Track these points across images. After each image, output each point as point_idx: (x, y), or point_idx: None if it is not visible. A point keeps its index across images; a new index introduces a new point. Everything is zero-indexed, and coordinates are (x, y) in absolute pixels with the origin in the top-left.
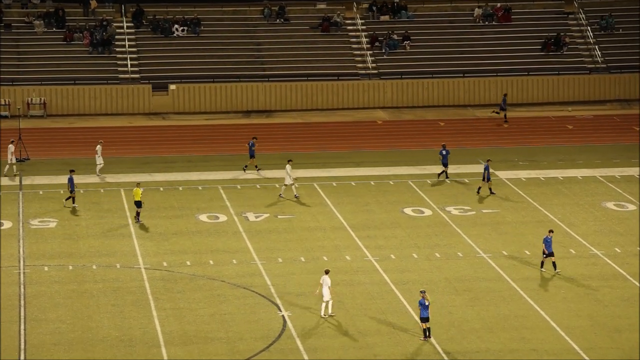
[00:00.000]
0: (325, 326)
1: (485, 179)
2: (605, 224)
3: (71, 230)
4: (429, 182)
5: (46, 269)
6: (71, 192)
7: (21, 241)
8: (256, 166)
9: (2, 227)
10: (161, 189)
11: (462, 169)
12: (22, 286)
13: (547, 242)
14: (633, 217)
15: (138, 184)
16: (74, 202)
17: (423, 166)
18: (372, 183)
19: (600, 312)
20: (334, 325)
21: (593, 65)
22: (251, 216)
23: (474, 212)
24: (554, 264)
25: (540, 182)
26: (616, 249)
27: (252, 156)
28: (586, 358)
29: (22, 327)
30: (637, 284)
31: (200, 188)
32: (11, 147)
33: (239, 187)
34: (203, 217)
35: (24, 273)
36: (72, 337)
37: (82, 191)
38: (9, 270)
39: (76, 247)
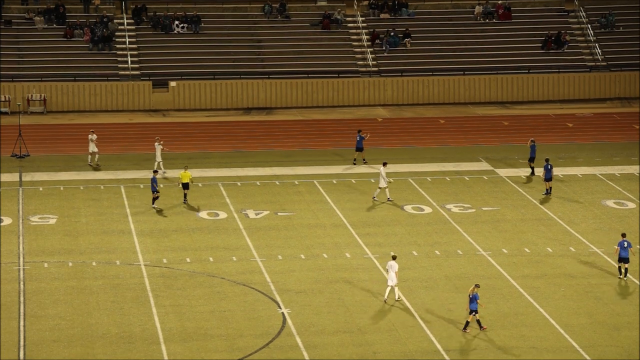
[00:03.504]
0: (325, 323)
1: (547, 179)
2: (605, 222)
3: (71, 227)
4: (429, 179)
5: (46, 265)
6: (154, 192)
7: (21, 237)
8: (363, 159)
9: (2, 224)
10: (161, 185)
11: (461, 166)
12: (21, 283)
13: (622, 246)
14: (633, 215)
15: (186, 167)
16: (153, 203)
17: (423, 164)
18: (372, 180)
19: (599, 309)
20: (333, 322)
21: (593, 63)
22: (251, 213)
23: (474, 210)
24: (625, 270)
25: (540, 180)
26: (616, 247)
27: (360, 149)
28: (585, 356)
29: (22, 323)
30: (637, 281)
31: (200, 185)
32: (93, 137)
33: (239, 184)
34: (203, 214)
35: (23, 269)
36: (71, 334)
37: (82, 188)
38: (8, 267)
39: (76, 243)
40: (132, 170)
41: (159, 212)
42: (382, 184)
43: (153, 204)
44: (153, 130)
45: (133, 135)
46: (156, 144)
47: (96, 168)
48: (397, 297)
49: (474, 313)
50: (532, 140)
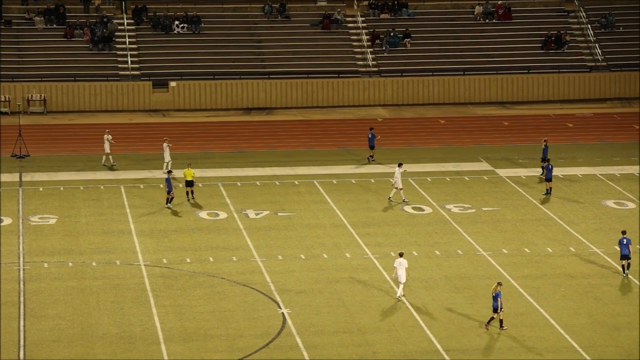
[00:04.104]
0: (325, 323)
1: (547, 179)
2: (605, 222)
3: (71, 227)
4: (429, 179)
5: (46, 265)
6: (169, 192)
7: (21, 238)
8: (371, 156)
9: (2, 224)
10: (161, 185)
11: (461, 166)
12: (21, 283)
13: (622, 244)
14: (633, 216)
15: (189, 164)
16: (168, 202)
17: (423, 164)
18: (372, 180)
19: (599, 310)
20: (333, 323)
21: (593, 64)
22: (251, 213)
23: (473, 210)
24: (625, 266)
25: (540, 180)
26: (616, 247)
27: (372, 147)
28: (585, 356)
29: (22, 323)
30: (637, 282)
31: (200, 185)
32: (109, 137)
33: (239, 184)
34: (203, 214)
35: (23, 269)
36: (71, 334)
37: (82, 188)
38: (8, 267)
39: (76, 243)
40: (132, 170)
41: (174, 212)
42: (399, 184)
43: (168, 203)
44: (153, 130)
45: (133, 135)
46: (164, 144)
47: (111, 168)
48: (399, 295)
49: (500, 311)
50: (545, 141)
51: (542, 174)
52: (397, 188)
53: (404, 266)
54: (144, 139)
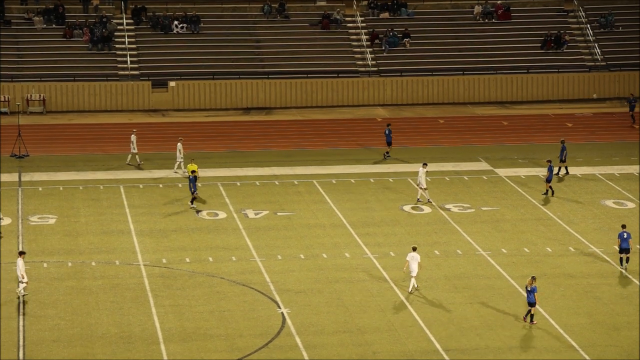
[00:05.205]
0: (325, 323)
1: (548, 179)
2: (604, 221)
3: (70, 227)
4: (429, 179)
5: (45, 265)
6: (193, 192)
7: (20, 237)
8: (386, 153)
9: (1, 224)
10: (160, 185)
11: (461, 166)
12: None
13: (622, 237)
14: (632, 215)
15: (192, 160)
16: (192, 203)
17: None
18: (372, 180)
19: (599, 309)
20: (333, 322)
21: (593, 63)
22: (251, 213)
23: (473, 210)
24: (624, 259)
25: (540, 180)
26: (615, 246)
27: (389, 143)
28: (585, 356)
29: (21, 323)
30: (636, 281)
31: (200, 185)
32: (133, 137)
33: (238, 184)
34: (202, 214)
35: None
36: (71, 334)
37: (81, 187)
38: (8, 267)
39: (75, 243)
40: (132, 170)
41: (198, 212)
42: (423, 184)
43: (192, 204)
44: (153, 130)
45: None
46: (179, 144)
47: (138, 167)
48: (411, 288)
49: (534, 306)
50: (562, 141)
51: (565, 173)
52: (421, 188)
53: (416, 260)
54: (144, 139)
